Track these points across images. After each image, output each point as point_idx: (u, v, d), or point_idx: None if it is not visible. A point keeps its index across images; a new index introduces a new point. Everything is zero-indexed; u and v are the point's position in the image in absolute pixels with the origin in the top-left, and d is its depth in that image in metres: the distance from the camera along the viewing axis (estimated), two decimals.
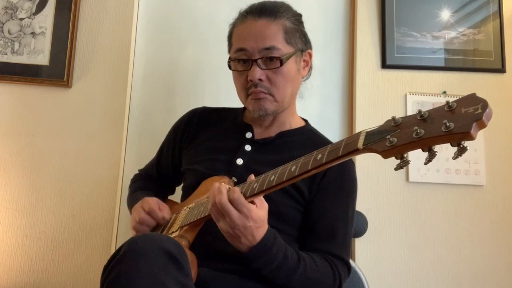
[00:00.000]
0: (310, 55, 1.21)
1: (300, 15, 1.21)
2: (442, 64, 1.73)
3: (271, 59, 1.10)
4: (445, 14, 1.75)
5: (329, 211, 1.10)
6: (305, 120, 1.29)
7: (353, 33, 1.79)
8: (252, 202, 0.91)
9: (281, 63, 1.10)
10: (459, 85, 1.72)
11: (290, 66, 1.13)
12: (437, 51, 1.74)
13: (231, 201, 0.88)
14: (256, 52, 1.10)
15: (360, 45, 1.75)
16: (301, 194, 1.11)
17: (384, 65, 1.73)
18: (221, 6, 1.81)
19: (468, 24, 1.75)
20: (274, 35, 1.11)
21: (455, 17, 1.75)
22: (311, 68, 1.25)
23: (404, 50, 1.73)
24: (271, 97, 1.13)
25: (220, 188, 0.90)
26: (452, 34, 1.75)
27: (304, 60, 1.19)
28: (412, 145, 0.66)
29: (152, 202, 1.13)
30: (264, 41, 1.10)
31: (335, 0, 1.83)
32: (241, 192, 0.90)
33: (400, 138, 0.67)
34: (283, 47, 1.11)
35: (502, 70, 1.73)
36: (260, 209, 0.91)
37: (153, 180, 1.37)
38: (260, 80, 1.11)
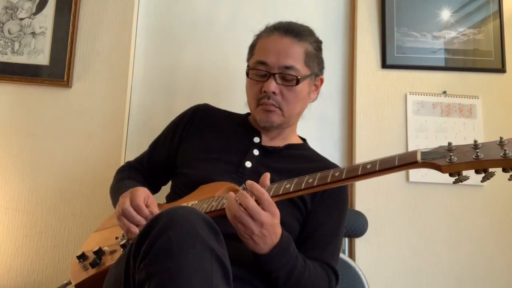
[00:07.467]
0: (322, 80, 1.27)
1: (320, 42, 1.26)
2: (442, 64, 1.73)
3: (289, 76, 1.15)
4: (445, 14, 1.75)
5: (325, 223, 1.15)
6: (303, 139, 1.34)
7: (353, 33, 1.79)
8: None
9: (297, 82, 1.15)
10: (459, 85, 1.72)
11: (303, 87, 1.19)
12: (437, 51, 1.74)
13: (259, 201, 0.89)
14: (276, 67, 1.15)
15: (360, 45, 1.75)
16: (305, 204, 1.14)
17: (384, 65, 1.73)
18: (221, 7, 1.81)
19: (468, 24, 1.75)
20: (296, 56, 1.16)
21: (455, 17, 1.75)
22: (319, 93, 1.30)
23: (404, 50, 1.73)
24: (279, 111, 1.18)
25: (243, 193, 0.91)
26: (452, 34, 1.74)
27: (315, 85, 1.25)
28: (472, 164, 0.77)
29: (139, 197, 1.03)
30: (286, 59, 1.15)
31: (335, 0, 1.83)
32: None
33: (460, 158, 0.78)
34: (301, 69, 1.16)
35: (502, 70, 1.73)
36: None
37: (140, 174, 1.34)
38: (274, 93, 1.15)
